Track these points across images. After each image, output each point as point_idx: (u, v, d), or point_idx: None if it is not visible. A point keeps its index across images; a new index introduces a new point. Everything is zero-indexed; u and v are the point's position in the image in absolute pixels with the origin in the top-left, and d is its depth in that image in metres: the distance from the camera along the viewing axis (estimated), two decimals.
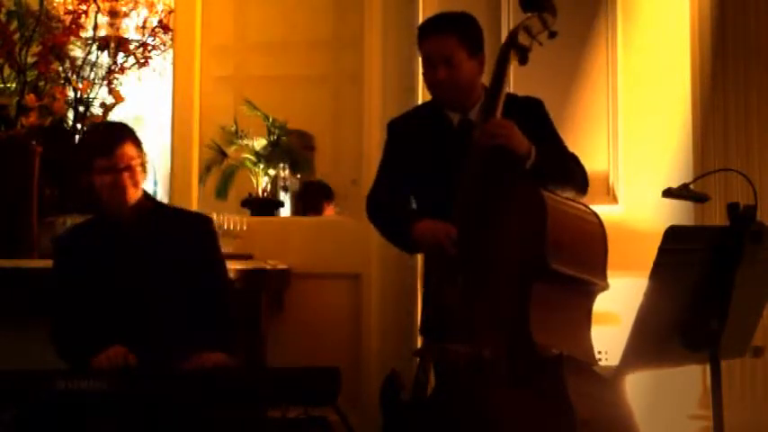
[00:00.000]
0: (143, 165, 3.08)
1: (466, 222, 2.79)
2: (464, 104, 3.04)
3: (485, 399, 2.67)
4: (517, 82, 3.47)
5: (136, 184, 3.04)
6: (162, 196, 5.29)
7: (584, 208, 2.91)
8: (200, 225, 3.20)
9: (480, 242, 2.80)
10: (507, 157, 2.80)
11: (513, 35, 2.94)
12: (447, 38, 2.96)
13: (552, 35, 2.93)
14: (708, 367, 2.41)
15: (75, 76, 4.51)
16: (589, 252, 2.84)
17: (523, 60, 2.93)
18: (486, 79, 3.04)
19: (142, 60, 4.79)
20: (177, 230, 3.12)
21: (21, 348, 3.80)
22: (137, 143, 3.07)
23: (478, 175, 2.81)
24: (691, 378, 3.60)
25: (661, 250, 2.27)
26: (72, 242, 3.18)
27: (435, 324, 2.84)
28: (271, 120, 4.70)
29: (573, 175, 2.98)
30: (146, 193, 3.15)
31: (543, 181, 2.84)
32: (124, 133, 3.07)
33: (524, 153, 2.82)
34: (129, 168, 3.02)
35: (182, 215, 3.26)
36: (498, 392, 2.66)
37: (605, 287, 2.84)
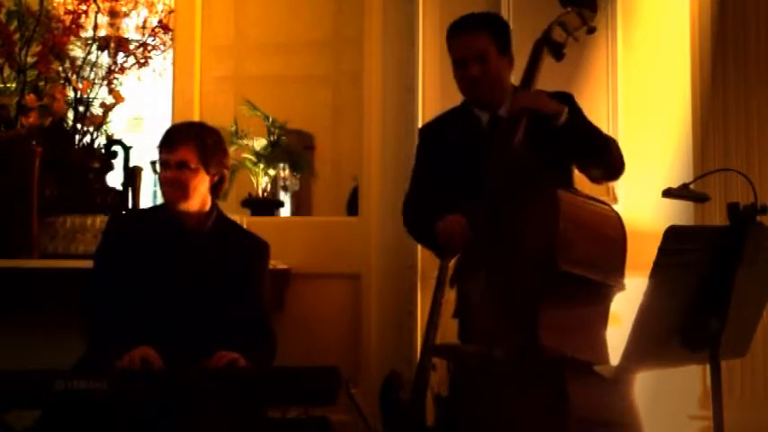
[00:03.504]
0: (207, 173, 3.05)
1: (487, 220, 2.79)
2: (494, 103, 3.05)
3: (493, 398, 2.67)
4: (517, 81, 3.47)
5: (182, 188, 3.02)
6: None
7: (604, 206, 2.89)
8: (257, 249, 3.19)
9: (500, 239, 2.79)
10: (539, 119, 2.84)
11: (547, 32, 2.93)
12: (479, 36, 2.99)
13: (591, 30, 2.94)
14: (708, 367, 2.41)
15: (75, 76, 4.51)
16: (603, 253, 2.81)
17: (558, 57, 2.94)
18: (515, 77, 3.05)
19: (142, 60, 4.78)
20: (233, 246, 3.13)
21: (21, 348, 3.80)
22: (201, 150, 3.03)
23: (505, 158, 2.81)
24: (691, 378, 3.60)
25: (661, 250, 2.27)
26: (125, 225, 3.19)
27: (463, 320, 2.85)
28: (271, 120, 4.69)
29: (609, 142, 2.99)
30: (216, 206, 3.15)
31: (579, 139, 2.86)
32: (190, 135, 3.06)
33: (556, 112, 2.85)
34: (181, 168, 3.01)
35: (242, 234, 3.26)
36: (505, 392, 2.66)
37: (621, 288, 2.82)
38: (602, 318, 2.83)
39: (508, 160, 2.81)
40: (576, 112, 3.01)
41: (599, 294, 2.82)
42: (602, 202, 2.89)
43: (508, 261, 2.78)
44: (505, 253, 2.79)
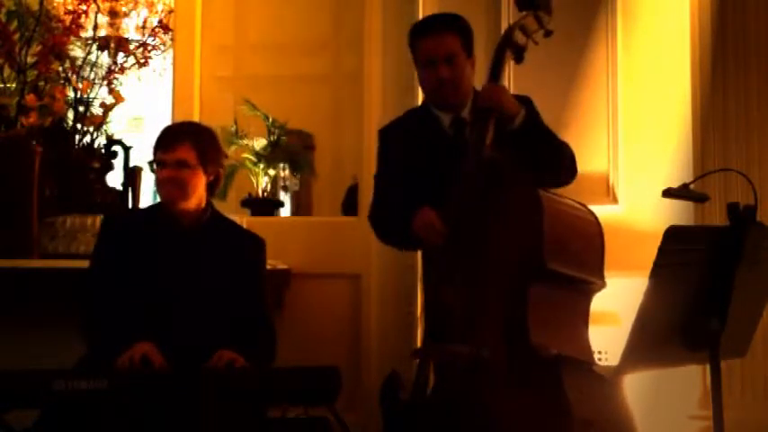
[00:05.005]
0: (205, 172, 3.07)
1: (463, 222, 2.79)
2: (456, 104, 3.05)
3: (483, 399, 2.67)
4: (517, 82, 3.48)
5: (182, 187, 3.03)
6: None
7: (580, 207, 2.91)
8: (254, 245, 3.20)
9: (477, 241, 2.80)
10: (498, 117, 2.85)
11: (508, 34, 2.94)
12: (449, 37, 2.99)
13: (548, 34, 2.94)
14: (708, 367, 2.41)
15: (75, 76, 4.51)
16: (586, 251, 2.84)
17: (519, 59, 2.95)
18: (480, 80, 3.05)
19: (142, 60, 4.79)
20: (230, 243, 3.14)
21: (21, 348, 3.80)
22: (200, 149, 3.05)
23: (477, 160, 2.81)
24: (691, 378, 3.60)
25: (661, 250, 2.27)
26: (121, 225, 3.18)
27: (434, 323, 2.85)
28: (271, 120, 4.69)
29: (561, 147, 3.00)
30: (212, 205, 3.17)
31: (530, 144, 2.87)
32: (187, 135, 3.08)
33: (513, 114, 2.87)
34: (180, 167, 3.02)
35: (238, 231, 3.28)
36: (497, 392, 2.66)
37: (603, 286, 2.85)
38: (585, 315, 2.86)
39: (483, 160, 2.81)
40: (533, 117, 3.01)
41: (583, 292, 2.84)
42: (576, 201, 2.91)
43: (488, 261, 2.78)
44: (484, 253, 2.79)
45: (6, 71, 4.40)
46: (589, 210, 2.92)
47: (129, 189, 4.47)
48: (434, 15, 3.13)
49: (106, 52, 4.65)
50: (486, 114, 2.85)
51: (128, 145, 4.55)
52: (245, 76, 5.16)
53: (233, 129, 4.66)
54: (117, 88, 4.55)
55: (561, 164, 2.99)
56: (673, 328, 2.37)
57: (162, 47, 5.03)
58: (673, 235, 2.27)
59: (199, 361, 2.83)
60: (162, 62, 5.23)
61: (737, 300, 2.34)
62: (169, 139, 3.07)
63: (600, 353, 2.88)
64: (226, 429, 2.68)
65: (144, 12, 5.53)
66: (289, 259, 4.18)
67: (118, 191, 4.46)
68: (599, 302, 2.90)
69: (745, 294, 2.37)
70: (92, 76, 4.57)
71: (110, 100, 4.51)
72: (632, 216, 3.91)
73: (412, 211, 2.92)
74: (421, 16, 4.20)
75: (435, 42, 3.00)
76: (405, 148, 3.11)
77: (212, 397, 2.64)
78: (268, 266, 3.41)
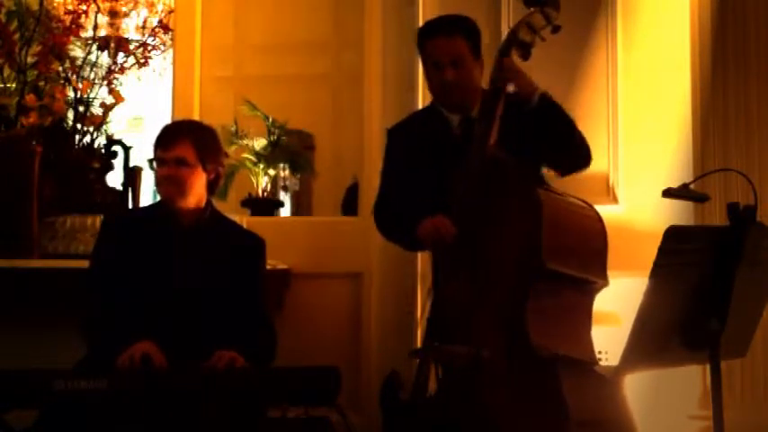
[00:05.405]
0: (204, 170, 3.06)
1: (466, 219, 2.80)
2: (465, 106, 3.05)
3: (483, 399, 2.67)
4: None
5: (180, 185, 3.03)
6: None
7: (582, 204, 2.91)
8: (253, 245, 3.20)
9: (480, 240, 2.80)
10: (513, 101, 2.86)
11: (514, 31, 2.95)
12: (456, 39, 2.99)
13: (555, 30, 2.94)
14: (708, 367, 2.41)
15: (75, 76, 4.51)
16: (588, 250, 2.84)
17: (525, 56, 2.95)
18: (483, 81, 3.05)
19: (142, 60, 4.78)
20: (229, 242, 3.14)
21: (21, 348, 3.80)
22: (199, 147, 3.04)
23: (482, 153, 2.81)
24: (691, 378, 3.59)
25: (661, 250, 2.27)
26: (121, 224, 3.18)
27: (437, 322, 2.85)
28: (271, 120, 4.69)
29: (576, 129, 3.00)
30: (211, 204, 3.17)
31: (548, 121, 2.88)
32: (186, 133, 3.07)
33: (529, 89, 2.88)
34: (178, 165, 3.02)
35: (238, 230, 3.28)
36: (496, 393, 2.66)
37: (605, 285, 2.84)
38: (587, 315, 2.85)
39: (486, 157, 2.81)
40: (550, 97, 3.01)
41: (585, 291, 2.84)
42: (579, 199, 2.91)
43: (489, 260, 2.78)
44: (486, 252, 2.79)
45: (6, 71, 4.40)
46: (592, 208, 2.91)
47: (129, 189, 4.48)
48: (442, 17, 3.12)
49: (106, 52, 4.65)
50: (495, 100, 2.86)
51: (128, 145, 4.55)
52: (245, 76, 5.17)
53: (233, 129, 4.66)
54: (117, 88, 4.55)
55: (578, 144, 2.98)
56: (673, 328, 2.37)
57: (162, 47, 5.04)
58: (673, 235, 2.27)
59: (199, 361, 2.83)
60: (162, 62, 5.24)
61: (737, 300, 2.34)
62: (168, 137, 3.07)
63: (600, 353, 2.88)
64: (226, 429, 2.68)
65: (144, 12, 5.54)
66: (289, 259, 4.18)
67: (118, 191, 4.46)
68: (599, 302, 2.90)
69: (745, 294, 2.38)
70: (92, 76, 4.57)
71: (110, 100, 4.51)
72: (632, 216, 3.90)
73: (416, 212, 2.92)
74: (421, 16, 4.21)
75: (442, 45, 3.00)
76: (412, 147, 3.12)
77: (212, 397, 2.64)
78: (268, 266, 3.41)
